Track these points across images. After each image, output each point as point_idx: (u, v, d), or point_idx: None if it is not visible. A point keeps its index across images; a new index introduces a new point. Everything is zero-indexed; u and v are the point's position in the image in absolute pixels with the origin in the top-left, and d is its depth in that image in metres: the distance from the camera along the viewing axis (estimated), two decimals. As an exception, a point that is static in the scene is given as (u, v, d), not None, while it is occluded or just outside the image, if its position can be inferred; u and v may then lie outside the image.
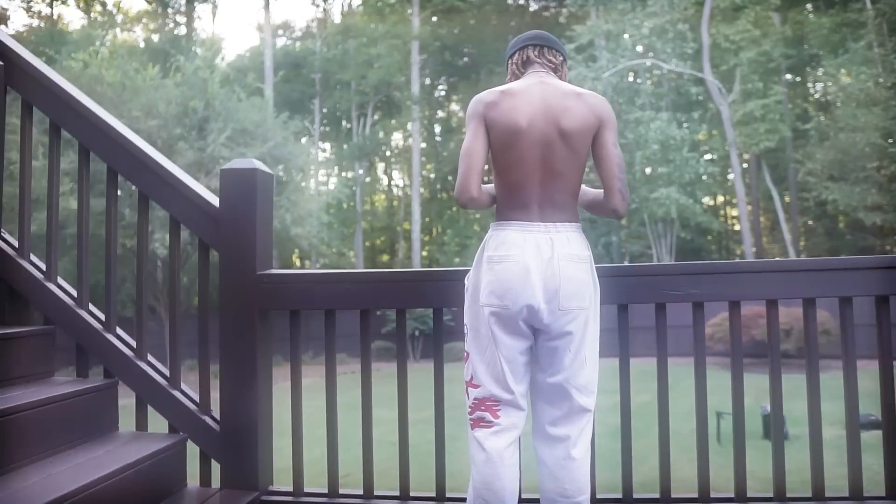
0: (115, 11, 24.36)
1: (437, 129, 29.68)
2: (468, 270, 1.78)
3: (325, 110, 27.90)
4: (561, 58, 1.84)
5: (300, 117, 22.69)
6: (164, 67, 16.63)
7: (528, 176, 1.65)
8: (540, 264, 1.60)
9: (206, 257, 2.15)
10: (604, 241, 20.91)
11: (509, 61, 1.86)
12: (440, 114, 29.89)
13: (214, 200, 2.13)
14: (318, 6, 29.12)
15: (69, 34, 22.30)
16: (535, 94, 1.68)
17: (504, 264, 1.61)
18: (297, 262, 24.10)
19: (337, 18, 28.85)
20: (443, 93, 29.69)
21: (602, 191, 1.74)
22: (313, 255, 20.49)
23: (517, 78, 1.81)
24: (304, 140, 24.47)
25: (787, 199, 22.47)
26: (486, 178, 1.75)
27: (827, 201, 17.06)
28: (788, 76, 22.42)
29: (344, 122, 28.69)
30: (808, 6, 21.16)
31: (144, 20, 25.29)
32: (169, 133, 13.91)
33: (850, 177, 15.89)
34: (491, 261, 1.64)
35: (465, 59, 27.64)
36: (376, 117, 27.50)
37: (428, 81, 27.88)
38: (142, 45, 23.56)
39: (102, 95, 13.72)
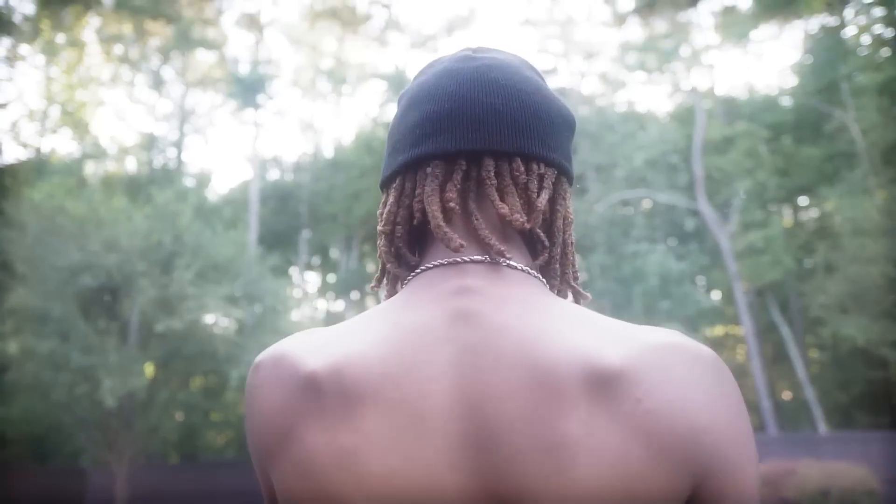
0: (106, 142, 24.23)
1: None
2: None
3: (311, 243, 27.37)
4: (550, 175, 0.73)
5: (284, 251, 21.96)
6: (140, 199, 15.92)
7: None
8: None
9: None
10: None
11: (386, 194, 0.76)
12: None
13: None
14: (309, 140, 29.37)
15: (53, 165, 21.94)
16: (437, 383, 0.61)
17: None
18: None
19: (329, 153, 29.06)
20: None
21: None
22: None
23: (397, 281, 0.76)
24: (292, 271, 23.64)
25: (794, 331, 21.40)
26: None
27: (842, 336, 15.97)
28: (786, 206, 22.08)
29: (331, 254, 28.11)
30: (791, 138, 21.16)
31: (135, 152, 25.15)
32: (131, 268, 12.87)
33: (867, 310, 14.86)
34: None
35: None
36: (364, 249, 26.92)
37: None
38: (129, 176, 23.23)
39: (62, 228, 12.85)
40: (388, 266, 0.74)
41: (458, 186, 0.69)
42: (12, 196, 14.83)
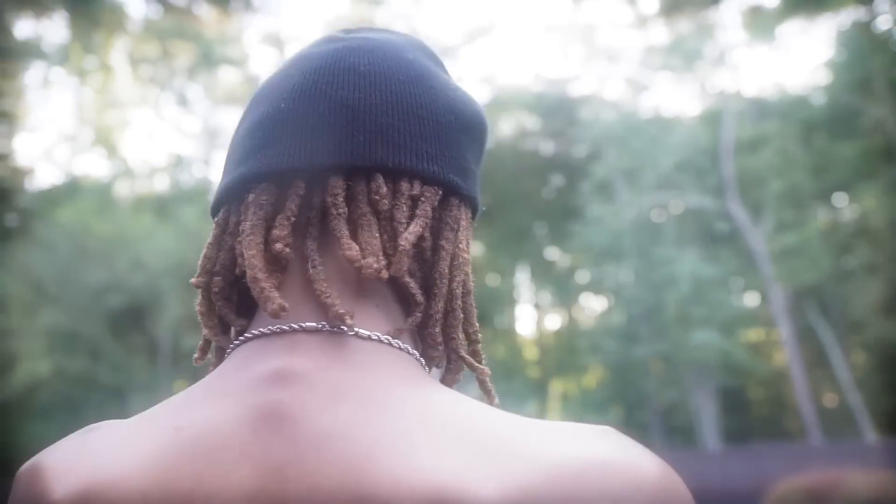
0: (135, 162, 24.63)
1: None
2: None
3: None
4: (431, 196, 0.53)
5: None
6: (167, 218, 16.12)
7: None
8: None
9: None
10: (633, 390, 19.19)
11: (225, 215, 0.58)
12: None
13: None
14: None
15: (84, 186, 22.35)
16: None
17: None
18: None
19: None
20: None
21: None
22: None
23: (222, 353, 0.55)
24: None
25: (835, 335, 20.78)
26: None
27: (887, 339, 15.43)
28: (822, 206, 21.50)
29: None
30: (825, 136, 20.60)
31: (164, 171, 25.53)
32: (158, 287, 12.99)
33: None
34: None
35: (483, 201, 27.37)
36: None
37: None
38: (158, 195, 23.54)
39: (90, 248, 13.02)
40: (206, 332, 0.55)
41: (293, 219, 0.50)
42: (44, 218, 15.11)
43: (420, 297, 0.52)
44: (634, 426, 20.34)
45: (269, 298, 0.47)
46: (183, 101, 22.75)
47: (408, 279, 0.51)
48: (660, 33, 21.79)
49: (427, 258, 0.53)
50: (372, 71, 0.53)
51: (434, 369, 0.57)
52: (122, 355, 12.69)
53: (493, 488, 0.38)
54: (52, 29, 21.12)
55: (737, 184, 18.97)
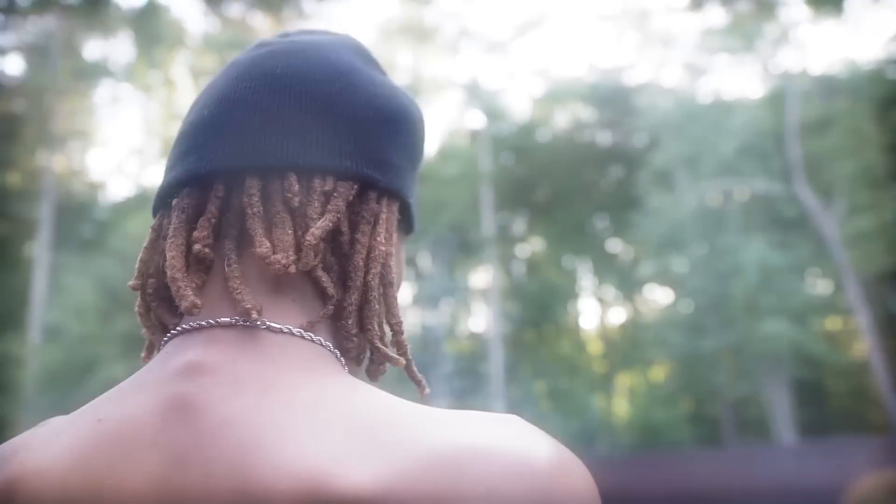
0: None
1: (518, 266, 29.10)
2: None
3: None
4: (344, 191, 0.55)
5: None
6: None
7: None
8: None
9: None
10: (702, 383, 18.65)
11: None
12: (520, 251, 29.39)
13: None
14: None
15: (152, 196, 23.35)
16: None
17: None
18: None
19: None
20: (520, 230, 29.29)
21: None
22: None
23: (158, 332, 0.60)
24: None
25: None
26: None
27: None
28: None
29: (420, 266, 28.44)
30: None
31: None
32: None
33: None
34: None
35: (541, 195, 27.22)
36: (452, 260, 27.06)
37: (502, 220, 27.50)
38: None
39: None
40: (144, 332, 0.58)
41: (213, 221, 0.53)
42: (117, 229, 15.82)
43: (332, 290, 0.53)
44: (704, 420, 19.80)
45: (184, 297, 0.50)
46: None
47: (320, 273, 0.53)
48: (717, 15, 21.09)
49: (345, 252, 0.54)
50: (288, 73, 0.55)
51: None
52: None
53: (367, 474, 0.39)
54: (118, 48, 22.08)
55: (804, 167, 18.19)
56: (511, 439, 0.41)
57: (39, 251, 15.85)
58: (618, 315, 27.30)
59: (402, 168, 0.58)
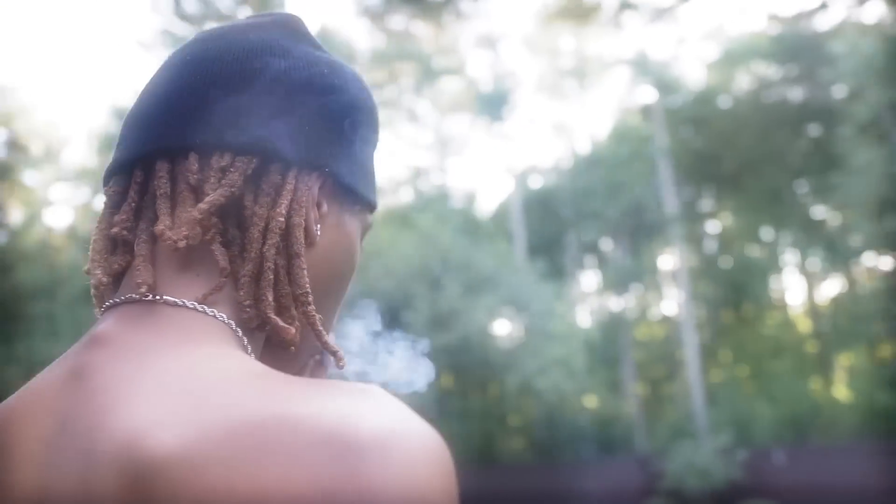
0: (383, 180, 27.01)
1: (709, 244, 27.40)
2: None
3: (580, 243, 27.33)
4: (242, 165, 0.55)
5: (553, 255, 22.28)
6: (408, 227, 17.41)
7: None
8: None
9: None
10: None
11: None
12: (710, 228, 27.65)
13: None
14: (564, 141, 29.48)
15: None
16: (23, 473, 0.47)
17: None
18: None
19: (585, 149, 28.80)
20: (708, 206, 27.50)
21: None
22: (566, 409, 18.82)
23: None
24: (566, 273, 23.94)
25: None
26: None
27: None
28: None
29: (602, 251, 27.79)
30: None
31: (406, 184, 27.63)
32: (405, 292, 14.10)
33: None
34: None
35: (727, 166, 25.32)
36: (634, 242, 26.09)
37: (686, 197, 25.97)
38: (403, 207, 25.56)
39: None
40: (97, 312, 0.61)
41: (134, 205, 0.56)
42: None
43: (224, 263, 0.54)
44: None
45: (93, 275, 0.56)
46: (413, 117, 24.41)
47: (215, 247, 0.54)
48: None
49: (245, 224, 0.55)
50: (195, 59, 0.57)
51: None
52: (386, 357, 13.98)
53: (175, 437, 0.40)
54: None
55: None
56: (335, 410, 0.40)
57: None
58: (829, 288, 24.56)
59: (317, 139, 0.57)
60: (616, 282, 25.02)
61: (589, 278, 28.54)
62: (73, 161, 22.87)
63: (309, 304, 0.56)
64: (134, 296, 0.52)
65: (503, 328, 17.47)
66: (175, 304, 0.52)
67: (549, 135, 31.06)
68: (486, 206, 27.73)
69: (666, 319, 28.04)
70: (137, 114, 0.58)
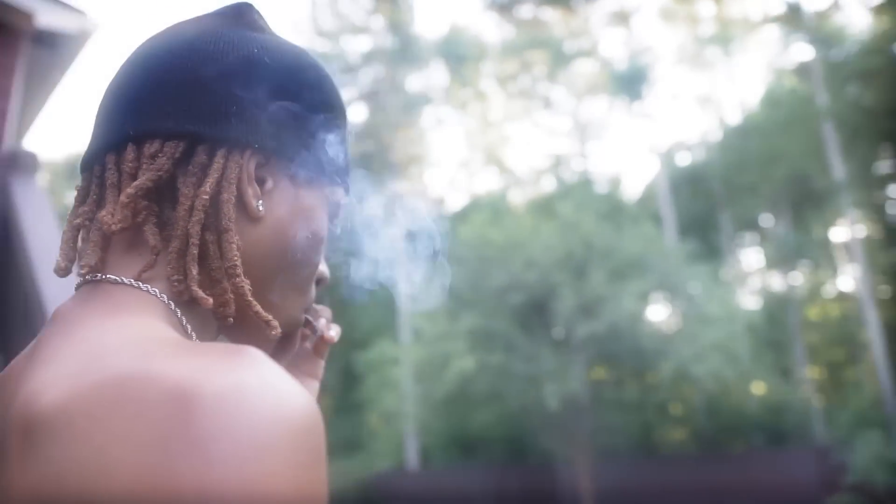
0: (521, 171, 26.93)
1: (891, 210, 24.63)
2: None
3: (735, 219, 25.62)
4: (170, 150, 0.59)
5: (707, 235, 21.10)
6: (549, 216, 17.19)
7: None
8: None
9: None
10: None
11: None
12: (890, 192, 24.83)
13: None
14: (711, 114, 27.77)
15: (483, 201, 25.18)
16: None
17: None
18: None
19: (735, 120, 26.93)
20: (885, 168, 24.71)
21: None
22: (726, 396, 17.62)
23: None
24: (721, 253, 22.60)
25: None
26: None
27: None
28: None
29: (762, 226, 25.87)
30: None
31: (546, 172, 27.32)
32: (551, 280, 13.93)
33: None
34: None
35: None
36: (798, 215, 24.04)
37: (858, 161, 23.50)
38: (544, 196, 25.26)
39: (489, 255, 14.64)
40: None
41: (95, 197, 0.61)
42: (453, 237, 17.58)
43: (153, 241, 0.58)
44: None
45: (56, 262, 0.61)
46: (549, 104, 24.04)
47: (145, 227, 0.58)
48: None
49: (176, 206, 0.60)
50: (134, 58, 0.62)
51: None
52: (532, 347, 13.90)
53: (55, 395, 0.44)
54: (433, 76, 24.49)
55: None
56: (188, 369, 0.42)
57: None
58: None
59: (250, 117, 0.59)
60: (780, 259, 23.21)
61: (749, 257, 26.73)
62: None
63: (237, 276, 0.58)
64: (89, 277, 0.57)
65: (657, 314, 16.77)
66: (115, 282, 0.56)
67: (694, 108, 29.38)
68: (631, 189, 26.73)
69: (842, 296, 25.58)
70: (96, 115, 0.64)
